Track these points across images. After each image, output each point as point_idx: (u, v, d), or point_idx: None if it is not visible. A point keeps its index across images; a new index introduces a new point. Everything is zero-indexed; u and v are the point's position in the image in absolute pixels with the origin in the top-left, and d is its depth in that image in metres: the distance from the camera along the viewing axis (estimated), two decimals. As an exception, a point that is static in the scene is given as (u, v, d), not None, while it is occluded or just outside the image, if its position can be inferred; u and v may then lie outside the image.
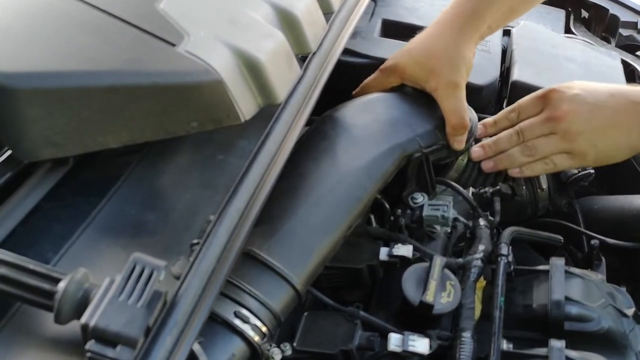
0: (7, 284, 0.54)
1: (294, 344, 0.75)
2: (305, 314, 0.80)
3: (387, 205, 1.03)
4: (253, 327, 0.68)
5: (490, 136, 1.02)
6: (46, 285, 0.54)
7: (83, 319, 0.52)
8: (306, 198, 0.81)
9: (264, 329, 0.68)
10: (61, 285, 0.54)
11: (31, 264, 0.55)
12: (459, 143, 0.95)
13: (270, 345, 0.73)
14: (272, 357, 0.71)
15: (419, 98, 0.98)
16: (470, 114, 0.97)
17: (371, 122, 0.93)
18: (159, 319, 0.54)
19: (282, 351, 0.74)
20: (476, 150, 1.00)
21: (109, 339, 0.51)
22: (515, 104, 1.00)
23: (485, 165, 1.01)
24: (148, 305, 0.53)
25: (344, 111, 0.95)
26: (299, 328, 0.78)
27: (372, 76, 1.02)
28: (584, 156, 0.93)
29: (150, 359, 0.51)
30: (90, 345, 0.51)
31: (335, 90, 0.92)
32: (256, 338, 0.67)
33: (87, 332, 0.52)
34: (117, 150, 0.74)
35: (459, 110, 0.94)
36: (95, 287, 0.55)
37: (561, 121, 0.93)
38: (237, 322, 0.67)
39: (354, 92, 1.04)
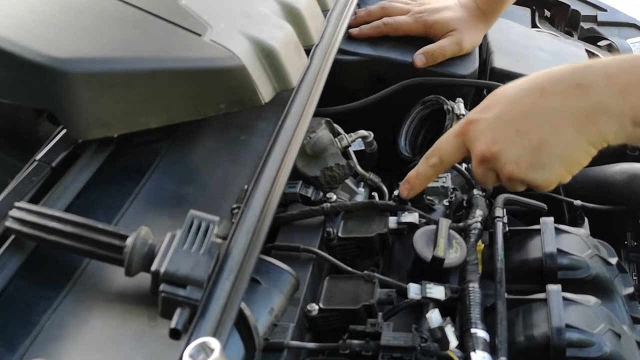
0: (80, 242, 0.61)
1: (320, 304, 0.83)
2: (327, 278, 0.87)
3: (385, 188, 1.14)
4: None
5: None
6: (116, 241, 0.61)
7: (154, 267, 0.59)
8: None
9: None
10: (129, 240, 0.61)
11: (100, 224, 0.62)
12: None
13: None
14: (310, 311, 0.79)
15: None
16: None
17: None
18: (217, 266, 0.61)
19: (310, 311, 0.81)
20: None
21: (179, 281, 0.58)
22: (435, 147, 0.85)
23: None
24: (208, 253, 0.60)
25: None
26: (322, 291, 0.85)
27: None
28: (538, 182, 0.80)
29: (214, 297, 0.58)
30: (163, 287, 0.57)
31: (329, 86, 1.00)
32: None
33: (159, 277, 0.58)
34: (148, 137, 0.82)
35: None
36: (157, 242, 0.62)
37: (489, 162, 0.78)
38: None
39: None
